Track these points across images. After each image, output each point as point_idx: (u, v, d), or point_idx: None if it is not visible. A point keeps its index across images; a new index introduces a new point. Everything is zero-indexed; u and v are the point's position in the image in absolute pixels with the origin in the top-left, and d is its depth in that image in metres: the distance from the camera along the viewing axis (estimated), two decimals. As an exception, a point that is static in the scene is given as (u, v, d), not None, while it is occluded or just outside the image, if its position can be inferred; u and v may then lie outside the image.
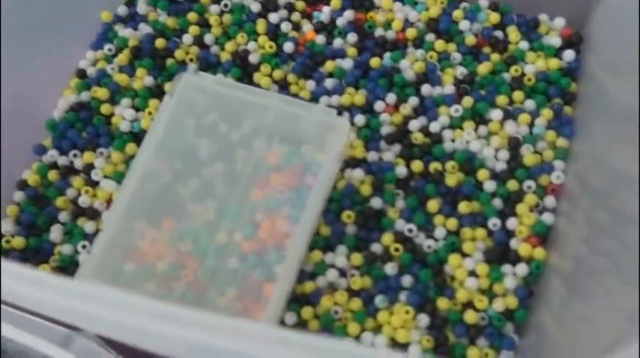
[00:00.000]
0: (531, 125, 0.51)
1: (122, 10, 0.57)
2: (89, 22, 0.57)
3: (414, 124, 0.51)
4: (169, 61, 0.54)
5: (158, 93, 0.53)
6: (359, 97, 0.52)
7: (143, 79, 0.54)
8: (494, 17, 0.55)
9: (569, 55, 0.53)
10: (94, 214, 0.49)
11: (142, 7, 0.57)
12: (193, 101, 0.49)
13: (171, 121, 0.48)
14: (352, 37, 0.55)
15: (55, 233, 0.49)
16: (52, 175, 0.51)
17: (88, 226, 0.49)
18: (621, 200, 0.40)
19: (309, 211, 0.45)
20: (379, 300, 0.46)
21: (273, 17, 0.56)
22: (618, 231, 0.39)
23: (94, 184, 0.51)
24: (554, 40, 0.54)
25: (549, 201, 0.48)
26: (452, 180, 0.49)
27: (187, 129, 0.49)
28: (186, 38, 0.55)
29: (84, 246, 0.48)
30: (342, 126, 0.47)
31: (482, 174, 0.49)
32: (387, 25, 0.56)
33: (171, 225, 0.47)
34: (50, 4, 0.52)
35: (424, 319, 0.45)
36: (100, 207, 0.50)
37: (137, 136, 0.52)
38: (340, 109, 0.52)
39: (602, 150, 0.46)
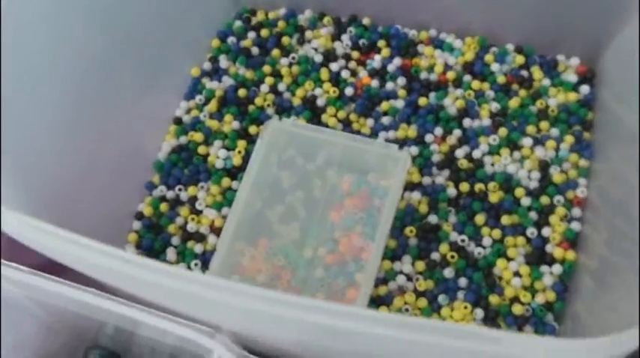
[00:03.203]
0: (557, 149, 0.60)
1: (207, 65, 0.67)
2: (181, 77, 0.66)
3: (459, 152, 0.60)
4: (250, 107, 0.64)
5: (244, 134, 0.63)
6: (411, 131, 0.61)
7: (230, 123, 0.63)
8: (520, 59, 0.64)
9: (584, 89, 0.62)
10: (200, 237, 0.59)
11: (224, 63, 0.66)
12: (276, 141, 0.59)
13: (261, 159, 0.58)
14: (401, 81, 0.64)
15: (170, 254, 0.58)
16: (163, 207, 0.60)
17: (197, 247, 0.58)
18: (636, 208, 0.47)
19: (381, 229, 0.54)
20: (441, 299, 0.55)
21: (334, 66, 0.65)
22: (634, 234, 0.46)
23: (198, 213, 0.60)
24: (572, 77, 0.63)
25: (576, 211, 0.57)
26: (494, 197, 0.58)
27: (272, 164, 0.59)
28: (263, 87, 0.65)
29: (196, 264, 0.57)
30: (405, 158, 0.57)
31: (518, 192, 0.58)
32: (430, 69, 0.65)
33: (265, 244, 0.56)
34: (149, 65, 0.61)
35: (480, 313, 0.54)
36: (205, 231, 0.59)
37: (230, 171, 0.61)
38: (398, 142, 0.61)
39: (617, 168, 0.54)
